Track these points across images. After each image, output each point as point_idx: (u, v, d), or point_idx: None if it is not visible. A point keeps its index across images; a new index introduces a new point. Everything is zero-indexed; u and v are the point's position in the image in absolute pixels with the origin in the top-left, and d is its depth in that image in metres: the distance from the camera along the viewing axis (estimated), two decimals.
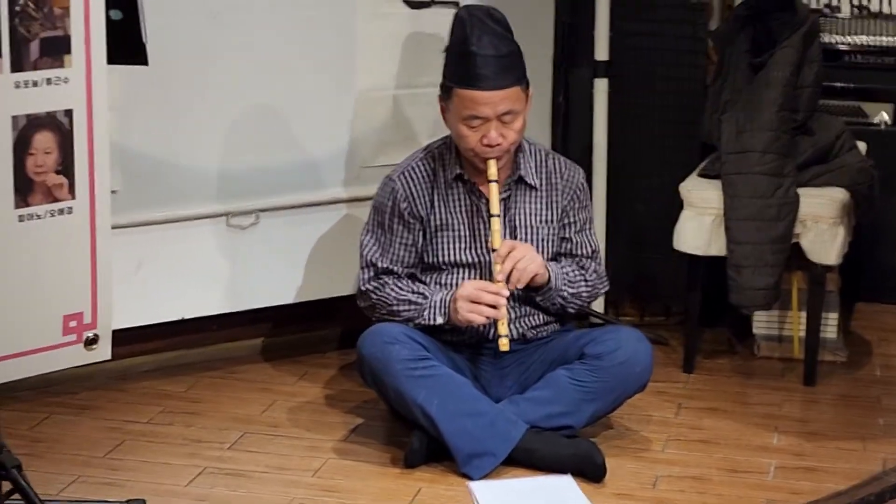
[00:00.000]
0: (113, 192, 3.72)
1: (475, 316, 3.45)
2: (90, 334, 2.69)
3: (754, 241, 3.98)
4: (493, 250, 3.48)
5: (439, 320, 3.54)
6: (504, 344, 3.45)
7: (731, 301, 4.04)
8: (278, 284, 4.15)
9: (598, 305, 4.46)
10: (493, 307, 3.45)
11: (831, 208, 4.03)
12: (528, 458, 3.46)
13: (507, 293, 3.45)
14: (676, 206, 4.14)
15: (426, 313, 3.56)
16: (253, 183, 4.04)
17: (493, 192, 3.49)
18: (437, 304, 3.55)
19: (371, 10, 4.11)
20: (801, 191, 4.03)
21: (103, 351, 2.72)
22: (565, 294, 3.59)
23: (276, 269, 4.14)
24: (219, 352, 4.25)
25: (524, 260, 3.46)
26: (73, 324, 2.66)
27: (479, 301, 3.45)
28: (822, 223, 4.02)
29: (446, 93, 3.55)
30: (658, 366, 4.06)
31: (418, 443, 3.48)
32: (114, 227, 3.73)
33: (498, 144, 3.47)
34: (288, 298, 4.18)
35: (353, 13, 4.09)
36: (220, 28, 3.91)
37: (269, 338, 4.34)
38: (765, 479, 3.47)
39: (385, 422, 3.73)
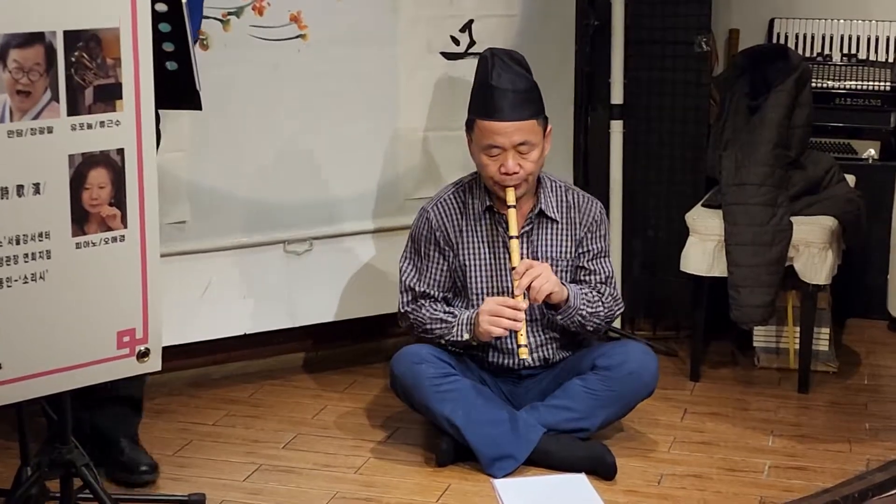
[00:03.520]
0: (183, 222, 3.76)
1: (495, 328, 3.34)
2: (142, 348, 2.64)
3: (752, 263, 3.90)
4: (512, 268, 3.38)
5: (465, 336, 3.44)
6: (523, 352, 3.34)
7: (732, 317, 3.95)
8: (330, 303, 4.09)
9: (615, 322, 4.36)
10: (513, 320, 3.33)
11: (821, 234, 3.95)
12: (545, 459, 3.37)
13: (524, 306, 3.34)
14: (683, 233, 4.07)
15: (455, 330, 3.46)
16: (307, 214, 4.00)
17: (512, 217, 3.40)
18: (465, 321, 3.45)
19: (412, 62, 4.06)
20: (794, 219, 3.95)
21: (154, 363, 2.66)
22: (584, 313, 3.46)
23: (327, 289, 4.08)
24: (278, 363, 4.21)
25: (541, 277, 3.34)
26: (126, 339, 2.62)
27: (500, 315, 3.34)
28: (813, 248, 3.94)
29: (469, 126, 3.48)
30: (667, 374, 4.01)
31: (447, 445, 3.41)
32: (184, 253, 3.77)
33: (515, 173, 3.37)
34: (337, 316, 4.13)
35: (396, 65, 4.04)
36: (279, 78, 3.87)
37: (321, 351, 4.29)
38: (760, 478, 3.37)
39: (420, 426, 3.65)
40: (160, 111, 2.94)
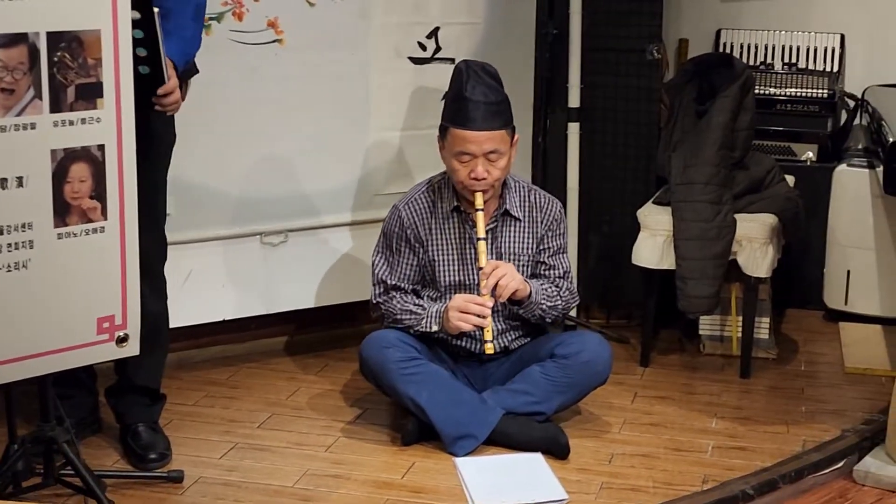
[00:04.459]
0: (168, 215, 3.68)
1: (463, 324, 3.32)
2: (121, 334, 2.60)
3: (698, 257, 3.87)
4: (480, 268, 3.34)
5: (434, 328, 3.41)
6: (489, 348, 3.35)
7: (679, 307, 3.92)
8: (304, 291, 4.04)
9: (572, 311, 4.32)
10: (480, 316, 3.30)
11: (763, 230, 3.92)
12: (504, 440, 3.34)
13: (491, 304, 3.32)
14: (635, 228, 4.03)
15: (424, 322, 3.43)
16: (283, 208, 3.94)
17: (479, 220, 3.37)
18: (433, 314, 3.42)
19: (382, 66, 4.00)
20: (737, 216, 3.93)
21: (132, 348, 2.61)
22: (544, 307, 3.45)
23: (302, 278, 4.02)
24: (255, 347, 4.14)
25: (506, 277, 3.32)
26: (105, 325, 2.57)
27: (467, 311, 3.32)
28: (755, 242, 3.91)
29: (443, 132, 3.44)
30: (619, 360, 3.98)
31: (412, 426, 3.37)
32: (168, 244, 3.67)
33: (483, 178, 3.35)
34: (312, 303, 4.07)
35: (367, 67, 3.98)
36: (258, 80, 3.80)
37: (296, 336, 4.23)
38: (704, 457, 3.34)
39: (387, 407, 3.60)
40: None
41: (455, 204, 3.47)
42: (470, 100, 3.34)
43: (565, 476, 3.18)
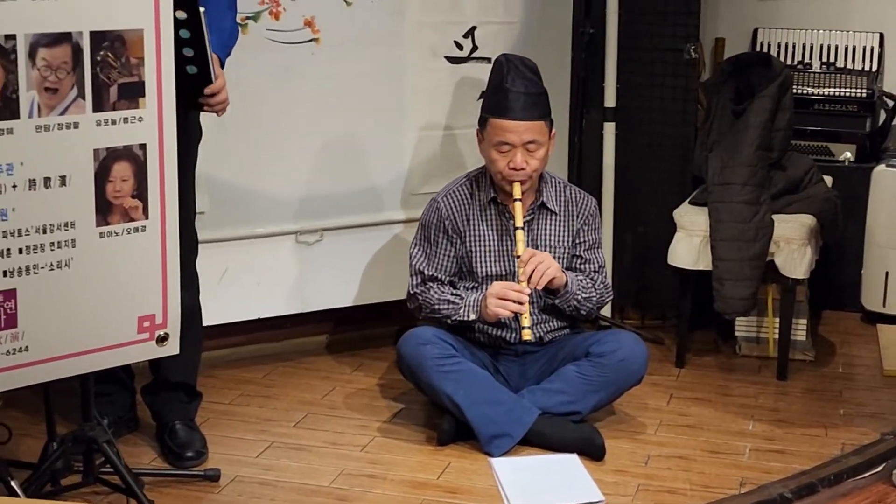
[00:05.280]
0: (201, 213, 3.69)
1: (501, 310, 3.34)
2: (161, 333, 2.60)
3: (735, 258, 3.84)
4: (517, 256, 3.38)
5: (472, 316, 3.43)
6: (527, 334, 3.34)
7: (715, 308, 3.90)
8: (339, 290, 4.04)
9: (606, 311, 4.34)
10: (518, 303, 3.32)
11: (801, 231, 3.89)
12: (539, 440, 3.34)
13: (528, 291, 3.34)
14: (671, 228, 4.02)
15: (461, 311, 3.45)
16: (318, 206, 3.94)
17: (518, 209, 3.41)
18: (471, 303, 3.44)
19: (418, 65, 4.00)
20: (775, 217, 3.90)
21: (172, 347, 2.61)
22: (579, 297, 3.46)
23: (337, 277, 4.02)
24: (290, 346, 4.14)
25: (543, 264, 3.35)
26: (146, 324, 2.58)
27: (506, 297, 3.33)
28: (792, 244, 3.88)
29: (482, 124, 3.49)
30: (654, 361, 3.96)
31: (448, 425, 3.38)
32: (202, 242, 3.68)
33: (522, 169, 3.39)
34: (347, 302, 4.07)
35: (404, 67, 3.98)
36: (293, 79, 3.81)
37: (331, 335, 4.23)
38: (741, 460, 3.33)
39: (423, 407, 3.60)
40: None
41: (493, 195, 3.51)
42: (510, 91, 3.40)
43: (601, 477, 3.17)
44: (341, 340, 4.21)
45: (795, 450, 3.38)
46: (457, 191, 3.56)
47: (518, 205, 3.40)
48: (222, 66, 2.91)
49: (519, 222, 3.39)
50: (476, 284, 3.52)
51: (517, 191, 3.40)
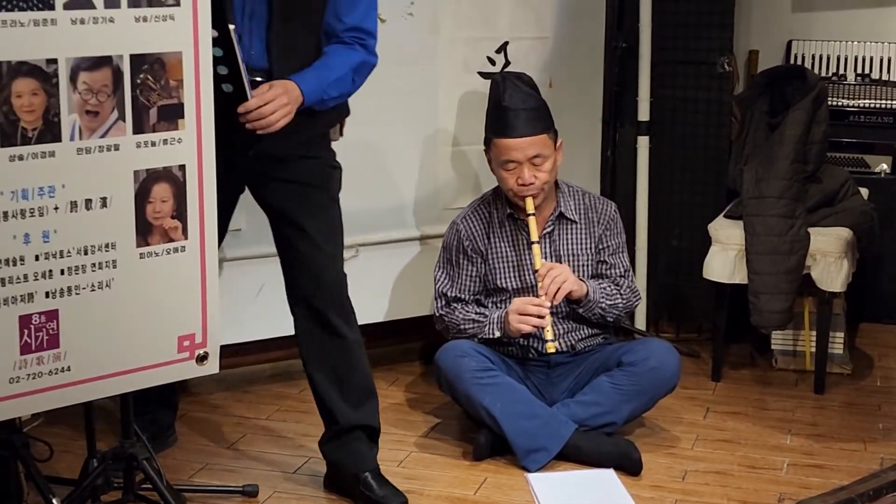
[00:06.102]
0: (237, 230, 3.71)
1: (523, 325, 3.37)
2: (201, 352, 2.62)
3: (771, 271, 3.83)
4: (535, 271, 3.41)
5: (497, 333, 3.46)
6: (551, 347, 3.37)
7: (752, 322, 3.90)
8: (375, 305, 4.04)
9: (640, 324, 4.35)
10: (538, 317, 3.34)
11: (837, 244, 3.88)
12: (576, 454, 3.34)
13: (548, 305, 3.37)
14: (706, 242, 4.01)
15: (486, 328, 3.48)
16: (354, 222, 3.90)
17: (532, 224, 3.44)
18: (495, 320, 3.47)
19: (452, 80, 4.02)
20: (811, 230, 3.89)
21: (212, 366, 2.63)
22: (604, 305, 3.48)
23: (372, 292, 4.02)
24: None
25: (560, 277, 3.38)
26: (186, 343, 2.60)
27: (526, 313, 3.36)
28: (829, 257, 3.87)
29: (487, 144, 3.54)
30: (690, 375, 3.95)
31: (484, 439, 3.39)
32: (238, 259, 3.72)
33: (531, 183, 3.43)
34: (382, 317, 4.08)
35: (437, 82, 4.00)
36: None
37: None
38: (779, 475, 3.31)
39: (458, 421, 3.62)
40: None
41: (509, 212, 3.55)
42: (509, 108, 3.43)
43: (638, 493, 3.17)
44: (377, 355, 4.19)
45: (834, 464, 3.36)
46: (474, 212, 3.61)
47: (532, 219, 3.43)
48: (315, 109, 2.91)
49: (534, 236, 3.43)
50: (502, 300, 3.54)
51: (530, 205, 3.43)
